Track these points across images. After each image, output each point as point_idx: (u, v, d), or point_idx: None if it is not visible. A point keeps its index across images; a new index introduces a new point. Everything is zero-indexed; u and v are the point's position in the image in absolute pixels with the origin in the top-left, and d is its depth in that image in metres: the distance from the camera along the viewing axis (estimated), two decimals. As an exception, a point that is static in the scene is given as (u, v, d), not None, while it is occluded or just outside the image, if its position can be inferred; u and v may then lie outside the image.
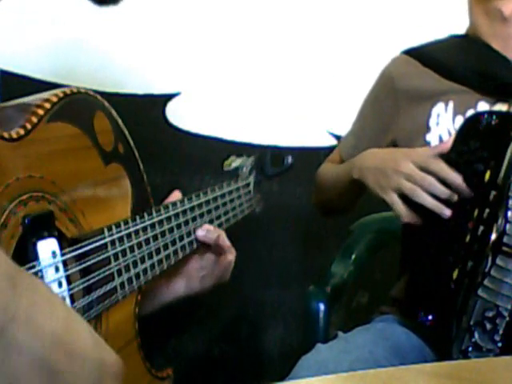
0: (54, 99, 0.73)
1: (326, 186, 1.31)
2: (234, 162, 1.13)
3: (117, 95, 1.54)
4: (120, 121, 0.84)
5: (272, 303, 1.78)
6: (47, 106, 0.71)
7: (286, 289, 1.77)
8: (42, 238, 0.66)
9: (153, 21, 1.60)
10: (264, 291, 1.77)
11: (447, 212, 1.00)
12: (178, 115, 1.65)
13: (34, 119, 0.69)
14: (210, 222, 0.98)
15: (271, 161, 1.18)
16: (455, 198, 1.00)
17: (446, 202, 1.00)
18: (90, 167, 0.78)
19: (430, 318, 1.00)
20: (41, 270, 0.65)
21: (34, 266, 0.64)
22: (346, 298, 1.66)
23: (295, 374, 0.95)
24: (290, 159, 1.19)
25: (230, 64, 1.68)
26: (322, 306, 1.26)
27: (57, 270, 0.67)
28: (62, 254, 0.68)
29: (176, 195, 0.96)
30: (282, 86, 1.72)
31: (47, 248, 0.66)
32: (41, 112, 0.70)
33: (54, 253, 0.67)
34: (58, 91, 0.75)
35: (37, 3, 1.48)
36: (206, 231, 0.95)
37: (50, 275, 0.66)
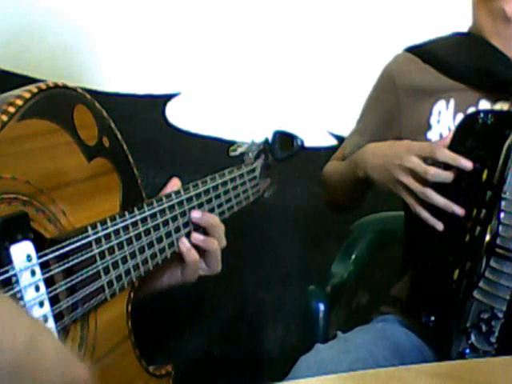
0: (27, 95, 0.68)
1: (332, 185, 1.31)
2: (240, 148, 1.09)
3: (117, 95, 1.54)
4: (105, 113, 0.80)
5: (272, 303, 1.77)
6: (19, 102, 0.67)
7: (286, 289, 1.77)
8: (16, 241, 0.63)
9: (153, 21, 1.60)
10: (264, 291, 1.77)
11: (459, 210, 0.98)
12: (178, 115, 1.65)
13: (4, 118, 0.65)
14: (211, 211, 0.94)
15: (280, 144, 1.13)
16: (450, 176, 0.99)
17: (454, 193, 0.99)
18: (71, 164, 0.74)
19: (432, 318, 1.00)
20: (15, 275, 0.62)
21: (7, 271, 0.62)
22: (345, 298, 1.66)
23: (295, 373, 0.95)
24: (299, 141, 1.13)
25: (229, 64, 1.68)
26: (321, 306, 1.26)
27: (33, 273, 0.64)
28: (39, 257, 0.65)
29: (175, 183, 0.92)
30: (281, 87, 1.72)
31: (21, 252, 0.64)
32: (11, 110, 0.66)
33: (29, 256, 0.64)
34: (32, 86, 0.70)
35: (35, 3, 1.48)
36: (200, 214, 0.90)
37: (26, 280, 0.64)
